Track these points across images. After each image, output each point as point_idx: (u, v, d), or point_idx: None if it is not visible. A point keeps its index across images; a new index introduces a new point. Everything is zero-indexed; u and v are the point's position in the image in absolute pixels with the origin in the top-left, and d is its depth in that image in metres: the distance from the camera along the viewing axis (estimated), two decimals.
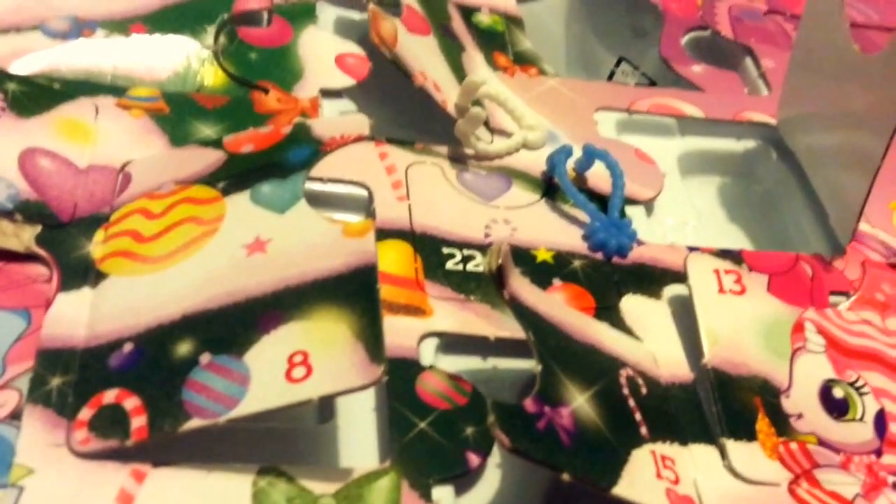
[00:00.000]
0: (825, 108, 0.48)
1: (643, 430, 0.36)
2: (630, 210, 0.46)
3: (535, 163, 0.47)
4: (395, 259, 0.40)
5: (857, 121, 0.45)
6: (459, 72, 0.49)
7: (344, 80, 0.49)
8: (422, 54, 0.47)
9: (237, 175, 0.41)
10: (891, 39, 0.42)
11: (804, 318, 0.42)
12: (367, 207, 0.43)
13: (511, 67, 0.53)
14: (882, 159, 0.42)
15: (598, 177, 0.47)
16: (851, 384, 0.40)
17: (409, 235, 0.41)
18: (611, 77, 0.60)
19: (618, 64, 0.60)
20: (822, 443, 0.38)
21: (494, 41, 0.54)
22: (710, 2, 0.62)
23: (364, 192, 0.43)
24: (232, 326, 0.34)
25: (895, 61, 0.42)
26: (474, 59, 0.52)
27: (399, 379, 0.35)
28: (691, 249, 0.44)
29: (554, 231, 0.44)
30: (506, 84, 0.51)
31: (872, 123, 0.43)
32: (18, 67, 0.44)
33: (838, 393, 0.40)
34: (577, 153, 0.47)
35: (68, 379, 0.33)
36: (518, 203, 0.45)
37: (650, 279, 0.42)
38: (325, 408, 0.36)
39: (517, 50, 0.54)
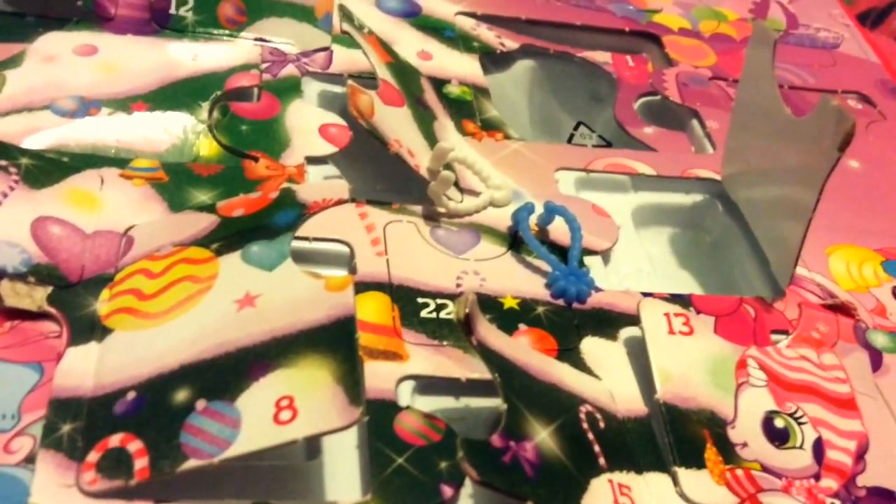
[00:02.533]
0: (763, 164, 0.49)
1: (601, 461, 0.36)
2: (588, 260, 0.47)
3: (501, 219, 0.48)
4: (374, 309, 0.40)
5: (792, 175, 0.45)
6: (431, 138, 0.50)
7: (327, 148, 0.49)
8: (396, 123, 0.48)
9: (229, 237, 0.42)
10: (819, 100, 0.43)
11: (747, 355, 0.42)
12: (348, 263, 0.43)
13: (479, 133, 0.53)
14: (814, 210, 0.43)
15: (559, 230, 0.47)
16: (791, 415, 0.40)
17: (388, 287, 0.42)
18: (570, 140, 0.61)
19: (576, 127, 0.61)
20: (765, 469, 0.38)
21: (463, 110, 0.55)
22: (659, 70, 0.63)
23: (346, 249, 0.43)
24: (224, 375, 0.35)
25: (822, 121, 0.42)
26: (445, 126, 0.52)
27: (379, 418, 0.35)
28: (644, 295, 0.44)
29: (519, 280, 0.44)
30: (474, 148, 0.52)
31: (805, 178, 0.43)
32: (31, 143, 0.45)
33: (779, 423, 0.40)
34: (539, 210, 0.47)
35: (77, 425, 0.34)
36: (486, 256, 0.45)
37: (607, 322, 0.43)
38: (312, 446, 0.36)
39: (484, 117, 0.55)
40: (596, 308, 0.43)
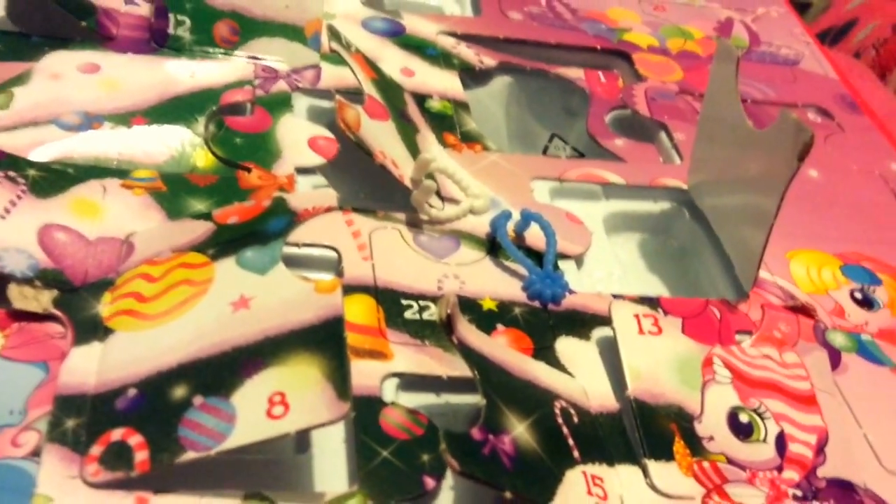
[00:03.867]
0: (727, 173, 0.49)
1: (575, 454, 0.37)
2: (563, 264, 0.47)
3: (480, 226, 0.48)
4: (360, 311, 0.41)
5: (754, 184, 0.45)
6: (414, 150, 0.50)
7: (316, 159, 0.49)
8: (381, 136, 0.48)
9: (224, 243, 0.42)
10: (779, 114, 0.43)
11: (713, 353, 0.42)
12: (336, 267, 0.43)
13: (459, 145, 0.53)
14: (775, 216, 0.43)
15: (535, 236, 0.47)
16: (755, 410, 0.40)
17: (373, 290, 0.42)
18: (545, 151, 0.62)
19: (551, 140, 0.62)
20: (730, 461, 0.38)
21: (444, 123, 0.55)
22: (629, 85, 0.63)
23: (333, 255, 0.44)
24: (220, 372, 0.35)
25: (783, 133, 0.43)
26: (427, 138, 0.53)
27: (364, 414, 0.36)
28: (615, 297, 0.44)
29: (497, 283, 0.44)
30: (454, 159, 0.52)
31: (766, 186, 0.43)
32: (37, 155, 0.45)
33: (744, 418, 0.40)
34: (516, 217, 0.47)
35: (81, 420, 0.34)
36: (466, 260, 0.46)
37: (580, 323, 0.43)
38: (302, 440, 0.37)
39: (464, 130, 0.55)
40: (570, 309, 0.44)
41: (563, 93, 0.63)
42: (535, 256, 0.46)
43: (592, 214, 0.51)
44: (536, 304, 0.44)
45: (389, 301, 0.41)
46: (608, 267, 0.49)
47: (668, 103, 0.62)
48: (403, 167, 0.48)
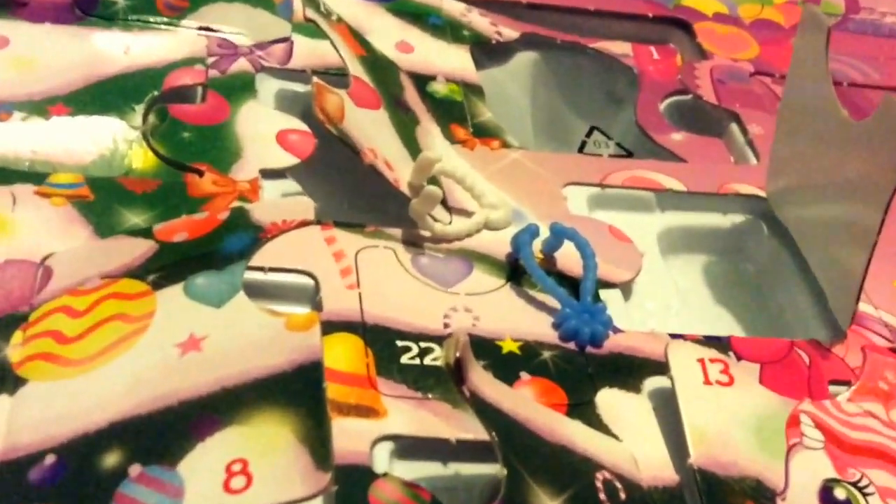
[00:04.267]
0: (816, 177, 0.49)
1: None
2: (605, 294, 0.47)
3: (498, 244, 0.48)
4: (344, 354, 0.40)
5: (851, 191, 0.45)
6: (413, 147, 0.50)
7: (286, 159, 0.49)
8: (371, 129, 0.49)
9: (169, 267, 0.42)
10: (882, 100, 0.43)
11: (800, 410, 0.42)
12: (312, 298, 0.43)
13: (470, 140, 0.54)
14: (879, 232, 0.43)
15: (569, 258, 0.47)
16: (854, 484, 0.40)
17: (360, 327, 0.42)
18: (582, 148, 0.62)
19: (589, 133, 0.62)
20: None
21: (452, 112, 0.55)
22: (691, 64, 0.63)
23: (309, 282, 0.44)
24: (164, 433, 0.35)
25: (887, 124, 0.43)
26: (430, 132, 0.53)
27: (350, 488, 0.35)
28: (673, 337, 0.45)
29: (520, 319, 0.45)
30: (465, 159, 0.52)
31: (867, 194, 0.44)
32: None
33: (840, 494, 0.40)
34: (545, 233, 0.48)
35: None
36: (480, 289, 0.46)
37: (628, 371, 0.43)
38: None
39: (477, 121, 0.55)
40: (614, 353, 0.44)
41: (604, 73, 0.64)
42: (570, 284, 0.46)
43: (644, 230, 0.51)
44: (571, 346, 0.44)
45: (382, 342, 0.42)
46: (664, 297, 0.49)
47: (741, 87, 0.62)
48: (399, 169, 0.48)
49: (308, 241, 0.45)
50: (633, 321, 0.47)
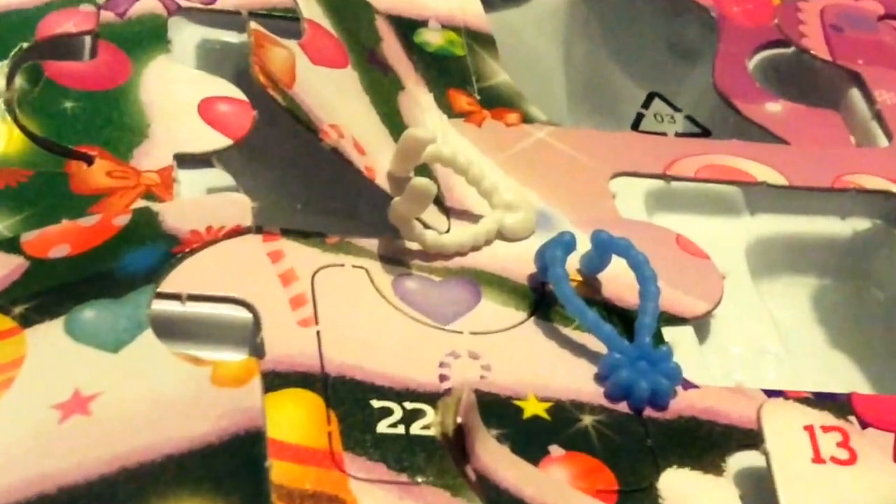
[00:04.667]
0: None
1: None
2: (670, 333, 0.46)
3: (517, 262, 0.48)
4: (296, 419, 0.40)
5: None
6: (395, 122, 0.50)
7: (213, 140, 0.49)
8: (334, 97, 0.48)
9: (44, 294, 0.41)
10: None
11: None
12: (250, 339, 0.43)
13: (477, 112, 0.53)
14: None
15: (618, 281, 0.47)
16: None
17: (319, 380, 0.41)
18: (637, 123, 0.61)
19: (648, 102, 0.60)
20: None
21: (450, 71, 0.55)
22: (793, 3, 0.63)
23: (246, 316, 0.43)
24: None
25: None
26: (418, 100, 0.52)
27: None
28: (770, 394, 0.44)
29: (549, 369, 0.44)
30: (469, 139, 0.52)
31: None
32: None
33: None
34: (584, 245, 0.47)
35: None
36: (492, 325, 0.45)
37: (705, 443, 0.42)
38: None
39: (486, 84, 0.55)
40: (684, 417, 0.43)
41: (669, 17, 0.63)
42: (620, 318, 0.46)
43: (727, 241, 0.51)
44: (623, 406, 0.42)
45: (350, 401, 0.40)
46: (756, 338, 0.48)
47: (865, 36, 0.61)
48: (375, 153, 0.48)
49: (244, 258, 0.45)
50: (711, 371, 0.46)
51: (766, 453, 0.41)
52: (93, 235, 0.44)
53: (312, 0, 0.53)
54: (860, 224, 0.54)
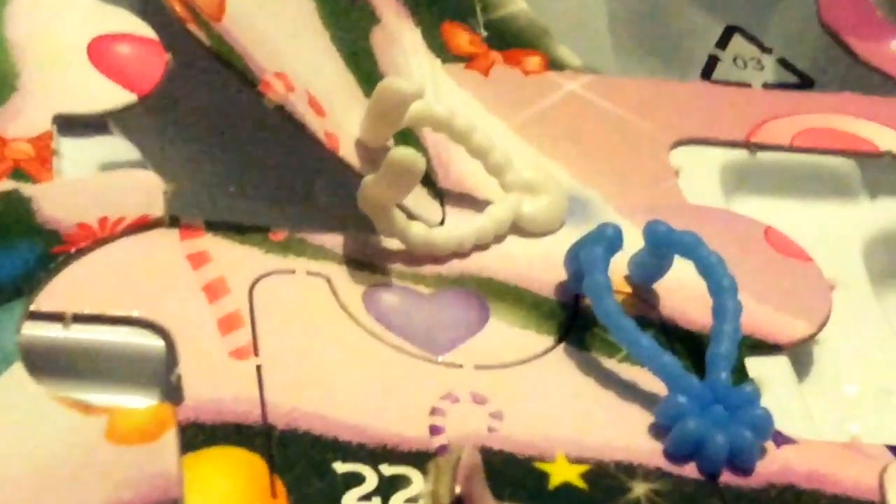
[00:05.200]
0: None
1: None
2: (757, 366, 0.47)
3: (539, 264, 0.49)
4: (227, 489, 0.40)
5: None
6: (367, 69, 0.50)
7: (109, 95, 0.49)
8: (281, 34, 0.48)
9: None
10: None
11: None
12: (162, 376, 0.44)
13: (484, 55, 0.54)
14: None
15: (682, 293, 0.48)
16: None
17: (261, 435, 0.41)
18: (710, 69, 0.61)
19: (724, 41, 0.61)
20: None
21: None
22: None
23: (156, 343, 0.44)
24: None
25: None
26: (400, 38, 0.53)
27: None
28: None
29: (586, 417, 0.44)
30: (471, 92, 0.52)
31: None
32: None
33: None
34: (635, 242, 0.48)
35: None
36: (504, 356, 0.46)
37: None
38: None
39: (496, 15, 0.55)
40: (778, 486, 0.43)
41: None
42: (686, 345, 0.47)
43: (838, 235, 0.52)
44: (691, 470, 0.43)
45: (304, 465, 0.41)
46: (878, 371, 0.49)
47: None
48: (339, 112, 0.48)
49: (154, 262, 0.46)
50: (816, 420, 0.47)
51: None
52: None
53: None
54: None
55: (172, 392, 0.42)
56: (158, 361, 0.43)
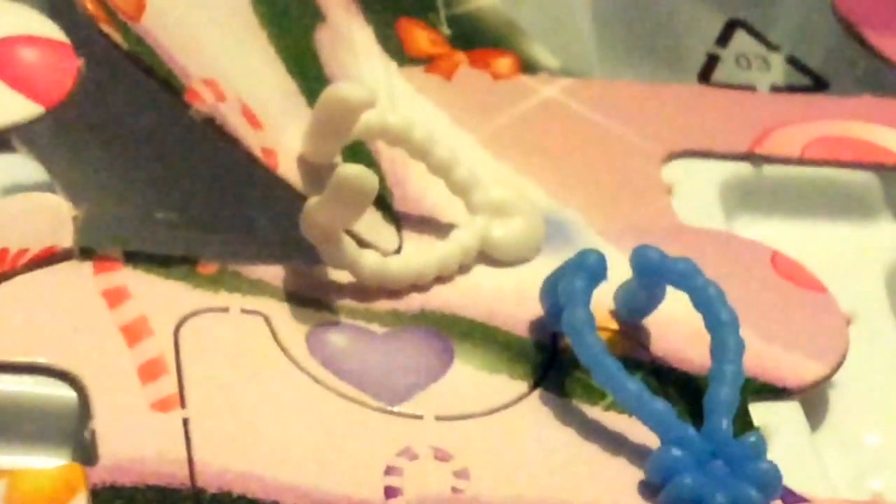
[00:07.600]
0: None
1: None
2: (763, 413, 0.46)
3: (511, 298, 0.48)
4: None
5: None
6: (310, 74, 0.50)
7: (11, 107, 0.49)
8: (210, 35, 0.47)
9: None
10: None
11: None
12: (72, 432, 0.42)
13: (447, 55, 0.53)
14: None
15: (676, 330, 0.48)
16: None
17: (190, 500, 0.40)
18: (708, 70, 0.60)
19: (725, 37, 0.60)
20: None
21: None
22: None
23: (66, 395, 0.43)
24: None
25: None
26: (349, 37, 0.52)
27: None
28: None
29: (565, 474, 0.43)
30: (433, 99, 0.51)
31: None
32: None
33: None
34: (622, 271, 0.47)
35: None
36: (470, 405, 0.45)
37: None
38: None
39: (460, 11, 0.54)
40: None
41: None
42: (681, 389, 0.46)
43: (856, 260, 0.51)
44: None
45: None
46: None
47: None
48: (277, 124, 0.47)
49: (63, 300, 0.45)
50: (831, 474, 0.45)
51: None
52: None
53: None
54: None
55: (85, 451, 0.41)
56: (69, 415, 0.42)
